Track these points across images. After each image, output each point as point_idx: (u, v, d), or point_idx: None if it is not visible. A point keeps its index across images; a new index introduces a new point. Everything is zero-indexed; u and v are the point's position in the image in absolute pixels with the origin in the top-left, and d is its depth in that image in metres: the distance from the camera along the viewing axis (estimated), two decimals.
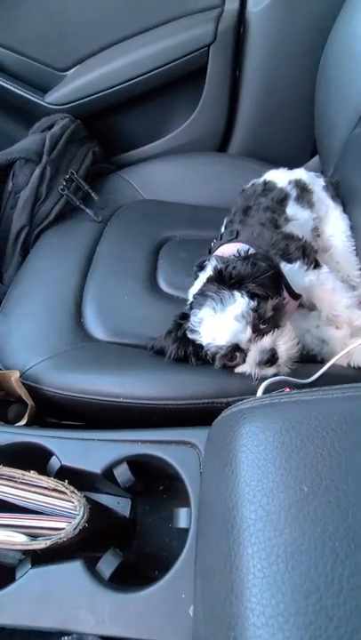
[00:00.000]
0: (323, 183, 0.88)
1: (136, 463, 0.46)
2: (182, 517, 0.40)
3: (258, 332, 0.56)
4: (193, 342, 0.58)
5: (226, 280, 0.58)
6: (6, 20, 1.03)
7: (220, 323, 0.55)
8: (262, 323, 0.56)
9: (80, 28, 1.08)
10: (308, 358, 0.70)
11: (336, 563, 0.22)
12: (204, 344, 0.57)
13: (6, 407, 0.66)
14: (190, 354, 0.59)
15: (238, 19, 0.96)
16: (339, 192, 0.87)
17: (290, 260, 0.70)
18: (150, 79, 1.06)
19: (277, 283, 0.61)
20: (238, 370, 0.57)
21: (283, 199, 0.81)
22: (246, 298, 0.55)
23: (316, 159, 1.10)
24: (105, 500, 0.52)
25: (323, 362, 0.68)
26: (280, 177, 0.86)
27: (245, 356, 0.56)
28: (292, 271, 0.69)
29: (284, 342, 0.56)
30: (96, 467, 0.44)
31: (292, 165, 0.96)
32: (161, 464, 0.44)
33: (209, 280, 0.61)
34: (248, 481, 0.28)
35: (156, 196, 1.06)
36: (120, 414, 0.59)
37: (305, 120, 1.03)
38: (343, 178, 0.85)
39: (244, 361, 0.57)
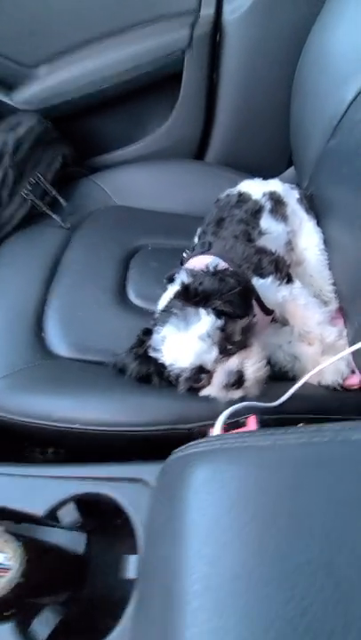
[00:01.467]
0: (297, 195, 0.86)
1: (87, 501, 0.41)
2: (131, 566, 0.36)
3: (224, 353, 0.53)
4: (155, 361, 0.55)
5: (192, 296, 0.55)
6: None
7: (184, 342, 0.52)
8: (229, 343, 0.53)
9: (50, 24, 1.03)
10: (279, 375, 0.67)
11: None
12: (166, 364, 0.54)
13: None
14: (153, 373, 0.56)
15: (214, 25, 0.94)
16: (313, 204, 0.86)
17: (262, 275, 0.68)
18: (125, 82, 1.02)
19: (247, 300, 0.58)
20: (203, 393, 0.54)
21: (257, 212, 0.79)
22: (212, 316, 0.52)
23: (292, 170, 1.09)
24: (57, 535, 0.48)
25: (294, 379, 0.66)
26: (255, 188, 0.84)
27: (211, 377, 0.53)
28: (265, 286, 0.67)
29: (252, 364, 0.53)
30: (39, 508, 0.39)
31: (268, 175, 0.94)
32: (112, 503, 0.40)
33: (176, 296, 0.58)
34: (191, 544, 0.24)
35: (128, 203, 1.02)
36: (76, 442, 0.55)
37: (282, 130, 1.02)
38: (317, 190, 0.84)
39: (209, 383, 0.54)
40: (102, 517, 0.45)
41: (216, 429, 0.41)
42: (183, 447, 0.31)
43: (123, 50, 1.00)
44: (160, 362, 0.54)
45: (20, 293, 0.78)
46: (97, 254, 0.89)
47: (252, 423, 0.44)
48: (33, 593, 0.36)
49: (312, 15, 0.81)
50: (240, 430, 0.42)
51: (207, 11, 0.94)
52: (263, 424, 0.46)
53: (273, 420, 0.52)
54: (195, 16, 0.94)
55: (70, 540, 0.48)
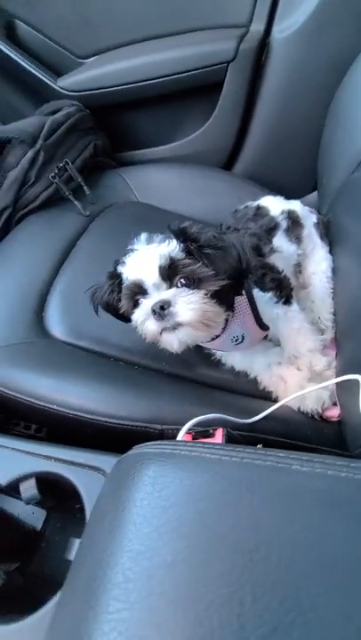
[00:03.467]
0: (315, 220, 0.86)
1: (47, 479, 0.43)
2: (75, 549, 0.37)
3: (169, 282, 0.51)
4: (120, 280, 0.55)
5: (179, 234, 0.53)
6: None
7: (139, 256, 0.53)
8: (181, 276, 0.51)
9: (105, 20, 1.06)
10: (263, 394, 0.68)
11: None
12: (123, 278, 0.54)
13: None
14: (118, 297, 0.55)
15: (262, 42, 0.95)
16: (328, 232, 0.86)
17: (263, 289, 0.68)
18: (166, 83, 1.04)
19: (236, 271, 0.53)
20: (133, 315, 0.53)
21: (272, 228, 0.79)
22: (179, 247, 0.51)
23: (314, 194, 1.09)
24: (17, 507, 0.49)
25: (276, 400, 0.66)
26: (274, 205, 0.84)
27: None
28: (263, 299, 0.67)
29: (186, 300, 0.49)
30: (1, 477, 0.41)
31: (291, 196, 0.95)
32: (71, 487, 0.41)
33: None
34: (124, 536, 0.25)
35: (150, 201, 1.04)
36: (52, 422, 0.56)
37: (312, 154, 1.03)
38: (334, 219, 0.84)
39: None
40: (61, 498, 0.47)
41: (180, 434, 0.42)
42: (141, 445, 0.33)
43: (169, 52, 1.02)
44: (120, 277, 0.54)
45: (30, 270, 0.81)
46: (110, 245, 0.90)
47: (218, 435, 0.45)
48: None
49: (357, 47, 0.81)
50: (203, 440, 0.43)
51: (257, 27, 0.95)
52: (231, 439, 0.47)
53: (243, 436, 0.53)
54: (244, 30, 0.95)
55: (29, 515, 0.50)
